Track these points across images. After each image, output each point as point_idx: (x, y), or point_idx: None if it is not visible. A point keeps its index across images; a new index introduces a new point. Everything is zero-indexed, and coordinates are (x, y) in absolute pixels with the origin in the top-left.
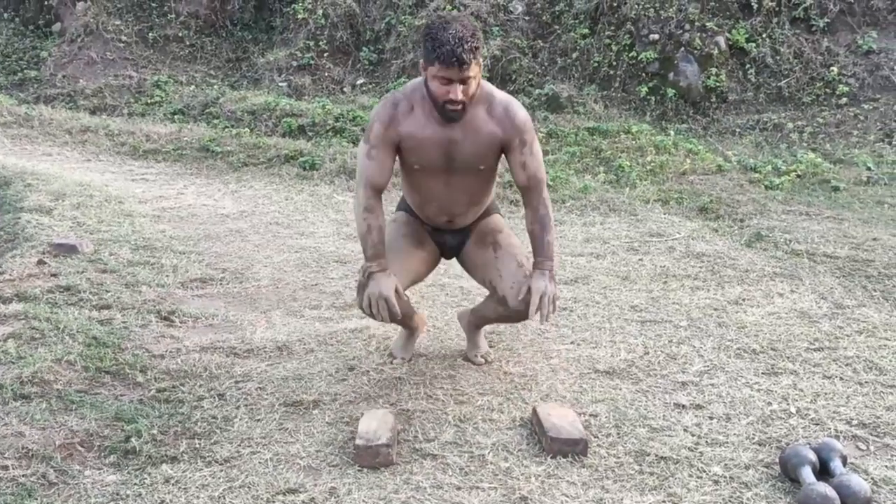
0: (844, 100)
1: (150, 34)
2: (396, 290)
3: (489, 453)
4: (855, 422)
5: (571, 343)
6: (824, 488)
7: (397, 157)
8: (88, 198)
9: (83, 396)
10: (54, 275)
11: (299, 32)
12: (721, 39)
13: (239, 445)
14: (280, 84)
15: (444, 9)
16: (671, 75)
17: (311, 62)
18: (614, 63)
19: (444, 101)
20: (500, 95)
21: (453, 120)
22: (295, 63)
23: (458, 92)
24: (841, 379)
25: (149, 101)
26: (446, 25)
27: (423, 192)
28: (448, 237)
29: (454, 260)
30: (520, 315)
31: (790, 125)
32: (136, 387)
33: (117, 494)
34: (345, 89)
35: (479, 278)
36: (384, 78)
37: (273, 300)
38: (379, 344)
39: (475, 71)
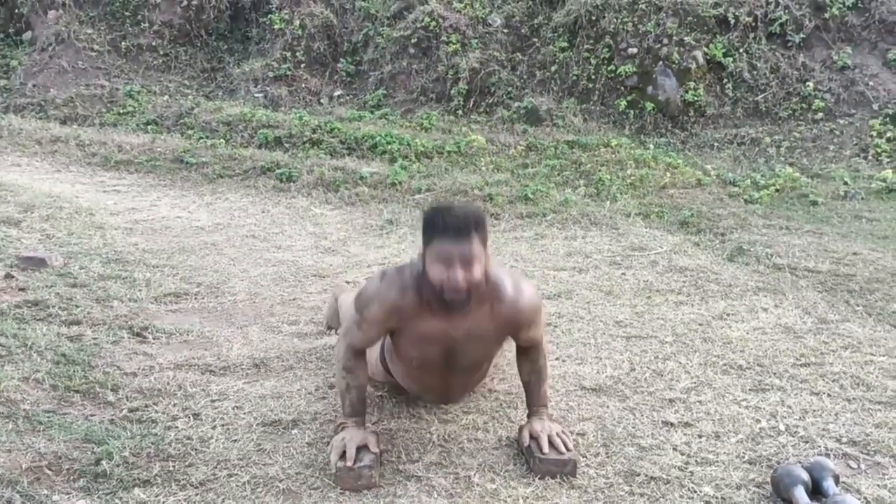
0: (820, 115)
1: (123, 43)
2: (367, 446)
3: (475, 474)
4: (845, 439)
5: (557, 359)
6: None
7: (390, 337)
8: (58, 210)
9: (51, 417)
10: (22, 289)
11: (276, 43)
12: (699, 54)
13: (215, 468)
14: (256, 95)
15: (424, 21)
16: (650, 89)
17: (288, 73)
18: (593, 76)
19: (444, 286)
20: (508, 288)
21: (456, 311)
22: (271, 74)
23: (458, 274)
24: (829, 395)
25: (121, 111)
26: (449, 207)
27: (419, 381)
28: None
29: None
30: None
31: (767, 139)
32: (107, 406)
33: None
34: (322, 101)
35: None
36: (362, 90)
37: (250, 315)
38: None
39: (479, 251)
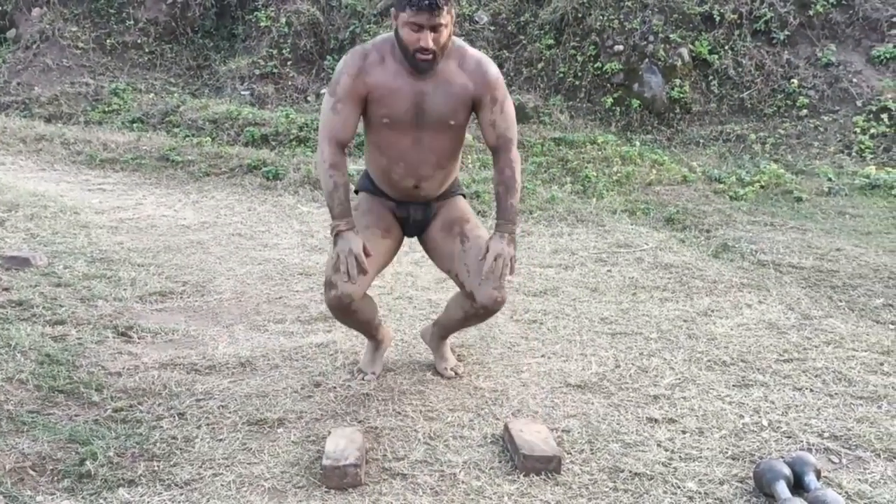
0: (805, 111)
1: (108, 41)
2: (364, 249)
3: (460, 472)
4: (826, 434)
5: (542, 356)
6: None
7: (363, 116)
8: (43, 209)
9: (35, 417)
10: (6, 289)
11: (262, 40)
12: (684, 51)
13: (200, 467)
14: (242, 92)
15: None
16: (636, 86)
17: (274, 70)
18: (579, 74)
19: (414, 49)
20: (473, 51)
21: (424, 71)
22: (257, 71)
23: (428, 39)
24: (811, 391)
25: (106, 109)
26: None
27: (389, 153)
28: (413, 210)
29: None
30: (487, 311)
31: (752, 136)
32: (92, 406)
33: None
34: (308, 98)
35: (443, 267)
36: None
37: (236, 314)
38: (346, 359)
39: (447, 19)
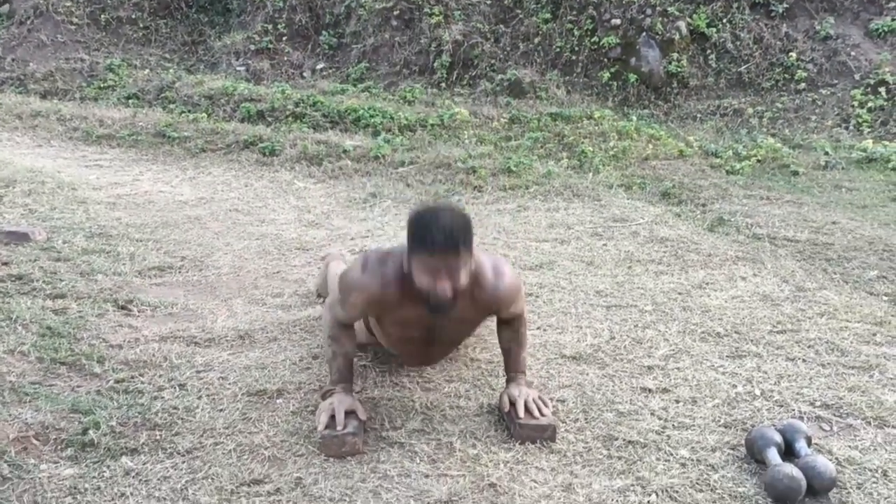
0: (803, 85)
1: (103, 16)
2: (354, 412)
3: (457, 440)
4: (818, 403)
5: (538, 329)
6: (790, 469)
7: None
8: (40, 184)
9: (38, 388)
10: (5, 263)
11: (257, 15)
12: (682, 24)
13: (201, 436)
14: (238, 68)
15: None
16: (633, 60)
17: (270, 46)
18: (576, 48)
19: (430, 294)
20: (487, 269)
21: (440, 313)
22: (253, 47)
23: (446, 287)
24: (804, 361)
25: (102, 85)
26: (436, 215)
27: (400, 351)
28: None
29: None
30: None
31: (750, 110)
32: (94, 378)
33: (75, 488)
34: (304, 74)
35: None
36: (344, 63)
37: (234, 288)
38: None
39: (465, 260)
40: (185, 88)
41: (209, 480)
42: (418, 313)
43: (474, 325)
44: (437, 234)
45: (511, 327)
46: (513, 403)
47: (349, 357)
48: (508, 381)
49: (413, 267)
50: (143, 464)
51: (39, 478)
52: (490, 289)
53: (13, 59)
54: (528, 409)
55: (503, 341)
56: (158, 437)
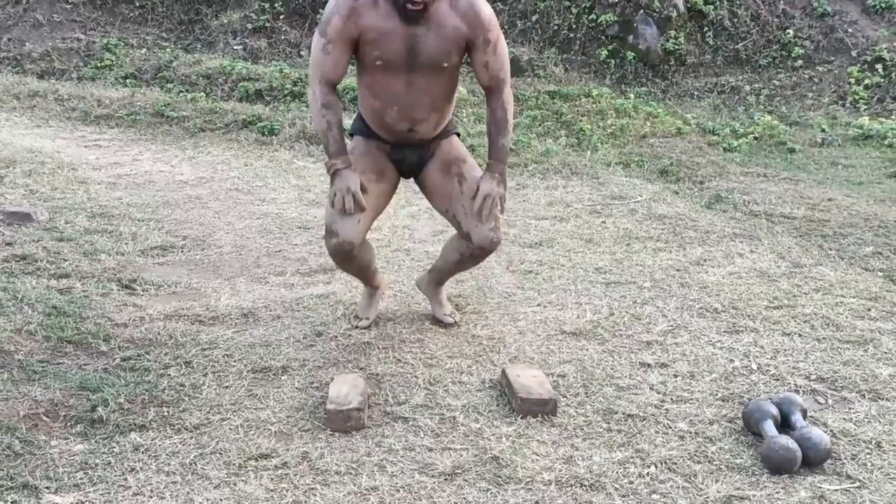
0: (800, 62)
1: None
2: (362, 186)
3: (460, 415)
4: (814, 377)
5: (538, 305)
6: (786, 441)
7: (355, 57)
8: (40, 165)
9: (46, 366)
10: (9, 244)
11: None
12: (680, 2)
13: (208, 412)
14: (235, 47)
15: None
16: (630, 38)
17: (267, 25)
18: (574, 26)
19: (404, 0)
20: None
21: (414, 20)
22: (250, 25)
23: None
24: (799, 336)
25: (99, 65)
26: None
27: (383, 96)
28: (407, 153)
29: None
30: (483, 252)
31: (747, 88)
32: (100, 356)
33: (86, 463)
34: (302, 53)
35: (440, 208)
36: None
37: (237, 267)
38: (346, 310)
39: None
40: (182, 68)
41: (217, 455)
42: (396, 25)
43: (453, 46)
44: None
45: (492, 105)
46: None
47: (341, 125)
48: (485, 171)
49: None
50: (152, 439)
51: (50, 453)
52: (466, 2)
53: (9, 39)
54: (481, 209)
55: (487, 123)
56: (166, 414)
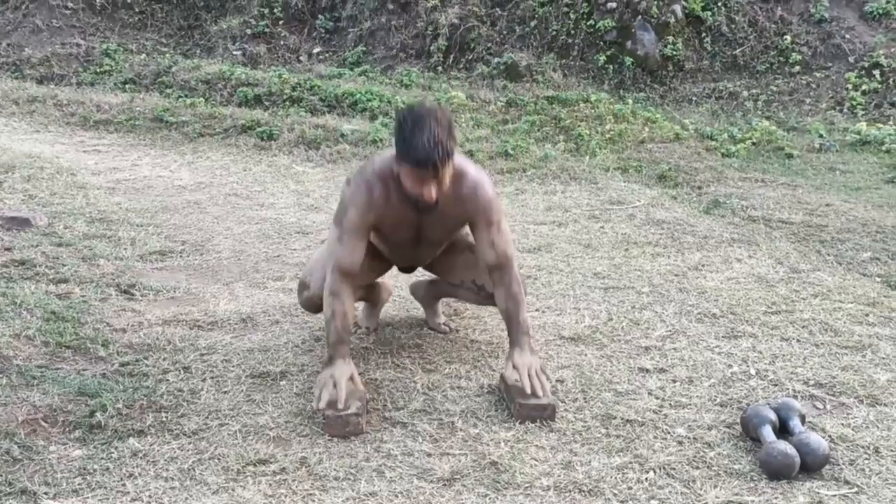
0: (797, 68)
1: (98, 0)
2: (352, 377)
3: (458, 420)
4: (812, 382)
5: (536, 310)
6: (784, 446)
7: None
8: (39, 170)
9: (44, 371)
10: (8, 249)
11: None
12: (678, 8)
13: (207, 418)
14: (234, 52)
15: None
16: (629, 44)
17: (266, 30)
18: (572, 31)
19: (417, 198)
20: (471, 172)
21: (426, 211)
22: (249, 31)
23: (432, 192)
24: (798, 341)
25: (98, 70)
26: (420, 125)
27: (390, 250)
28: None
29: None
30: None
31: (745, 93)
32: (99, 361)
33: (84, 469)
34: (301, 58)
35: (457, 278)
36: (341, 46)
37: (235, 272)
38: None
39: (449, 168)
40: (181, 73)
41: (215, 461)
42: (407, 213)
43: (458, 227)
44: (422, 149)
45: (503, 283)
46: (518, 375)
47: (347, 318)
48: (512, 346)
49: (401, 174)
50: (150, 445)
51: (49, 459)
52: (471, 187)
53: (8, 45)
54: (533, 388)
55: (500, 302)
56: (164, 419)
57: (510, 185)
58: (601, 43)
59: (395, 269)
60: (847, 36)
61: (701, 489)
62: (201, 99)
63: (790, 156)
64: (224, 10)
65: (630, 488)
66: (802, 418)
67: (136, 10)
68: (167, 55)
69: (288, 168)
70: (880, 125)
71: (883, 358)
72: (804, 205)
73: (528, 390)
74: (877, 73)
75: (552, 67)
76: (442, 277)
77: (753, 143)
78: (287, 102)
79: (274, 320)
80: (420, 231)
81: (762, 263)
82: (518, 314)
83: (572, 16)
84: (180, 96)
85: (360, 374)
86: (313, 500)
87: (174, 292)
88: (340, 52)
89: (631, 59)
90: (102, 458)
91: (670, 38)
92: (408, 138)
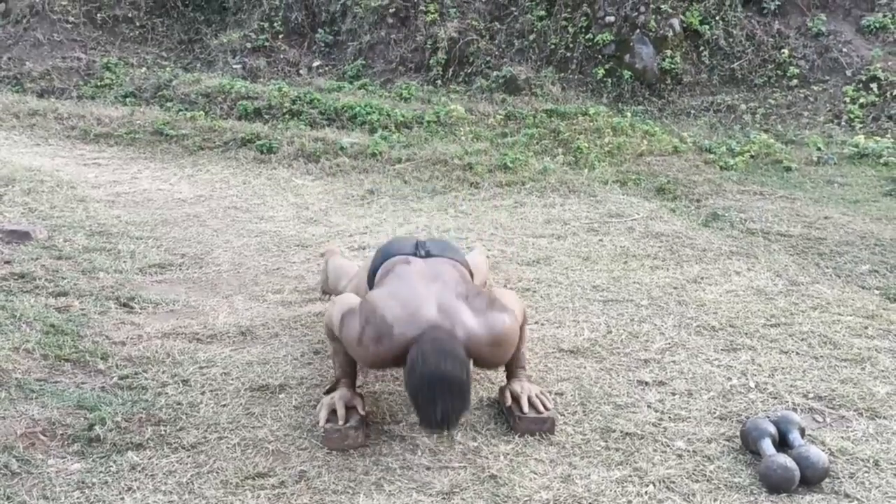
0: (795, 81)
1: (99, 14)
2: (355, 407)
3: (458, 433)
4: (811, 395)
5: (536, 323)
6: (784, 459)
7: None
8: (39, 183)
9: (43, 385)
10: (8, 262)
11: (253, 13)
12: (676, 22)
13: (205, 431)
14: (234, 66)
15: None
16: (627, 57)
17: (266, 44)
18: (571, 45)
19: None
20: (485, 335)
21: None
22: (249, 45)
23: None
24: (797, 354)
25: (99, 84)
26: (433, 398)
27: None
28: None
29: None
30: None
31: (743, 106)
32: (98, 374)
33: (83, 483)
34: (301, 71)
35: None
36: (341, 60)
37: (234, 285)
38: None
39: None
40: (181, 87)
41: (214, 474)
42: None
43: None
44: (435, 423)
45: None
46: (516, 399)
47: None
48: (509, 378)
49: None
50: (149, 458)
51: (47, 472)
52: (487, 358)
53: (9, 58)
54: (531, 404)
55: None
56: (163, 433)
57: (509, 199)
58: (600, 56)
59: None
60: (844, 49)
61: (701, 502)
62: (201, 112)
63: (788, 169)
64: (224, 25)
65: (630, 502)
66: (802, 431)
67: (137, 24)
68: (167, 69)
69: (287, 181)
70: (878, 138)
71: (882, 370)
72: (803, 217)
73: (526, 409)
74: (874, 86)
75: (551, 81)
76: None
77: (752, 156)
78: (287, 116)
79: (273, 333)
80: None
81: (761, 276)
82: (519, 349)
83: (571, 29)
84: (180, 110)
85: (358, 386)
86: None
87: (173, 305)
88: (340, 66)
89: (629, 73)
90: (101, 472)
91: (668, 52)
92: (422, 407)
